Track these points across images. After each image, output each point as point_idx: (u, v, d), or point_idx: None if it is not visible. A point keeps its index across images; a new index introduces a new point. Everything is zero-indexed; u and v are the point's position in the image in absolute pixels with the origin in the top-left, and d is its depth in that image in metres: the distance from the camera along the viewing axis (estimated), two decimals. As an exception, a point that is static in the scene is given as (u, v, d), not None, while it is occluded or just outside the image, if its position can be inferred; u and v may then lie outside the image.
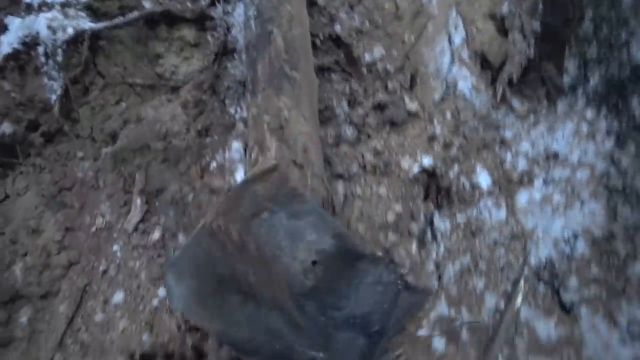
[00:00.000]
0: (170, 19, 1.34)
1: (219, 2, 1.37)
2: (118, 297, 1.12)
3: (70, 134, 1.33)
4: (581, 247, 1.06)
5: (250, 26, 1.17)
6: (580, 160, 1.08)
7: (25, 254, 1.32)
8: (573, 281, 1.08)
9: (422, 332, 0.98)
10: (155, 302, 1.03)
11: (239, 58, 1.33)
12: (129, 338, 1.05)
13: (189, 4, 1.36)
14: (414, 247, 1.04)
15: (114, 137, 1.34)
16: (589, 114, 1.13)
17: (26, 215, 1.34)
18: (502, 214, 1.15)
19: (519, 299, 1.03)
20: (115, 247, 1.18)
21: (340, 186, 1.09)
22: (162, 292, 1.04)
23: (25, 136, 1.32)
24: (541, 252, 1.12)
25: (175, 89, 1.34)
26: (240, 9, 1.34)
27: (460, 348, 0.98)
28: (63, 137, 1.37)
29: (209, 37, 1.37)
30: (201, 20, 1.38)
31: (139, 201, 1.19)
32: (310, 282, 0.85)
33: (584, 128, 1.10)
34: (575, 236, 1.06)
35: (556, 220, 1.11)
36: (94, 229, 1.25)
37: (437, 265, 1.06)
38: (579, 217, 1.08)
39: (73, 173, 1.35)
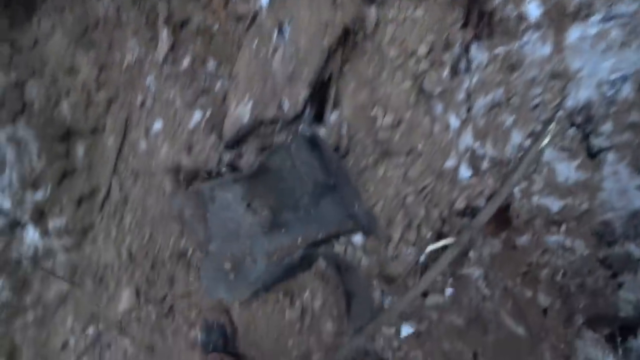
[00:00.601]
0: None
1: None
2: (157, 125, 1.21)
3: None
4: (626, 90, 0.97)
5: None
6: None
7: (68, 93, 1.41)
8: (607, 126, 1.04)
9: (450, 162, 1.02)
10: (191, 124, 1.11)
11: None
12: (172, 160, 1.16)
13: None
14: (445, 73, 1.00)
15: (129, -34, 1.25)
16: None
17: (59, 56, 1.38)
18: (547, 50, 1.05)
19: (547, 139, 1.02)
20: (149, 80, 1.22)
21: (372, 10, 1.00)
22: (197, 115, 1.11)
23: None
24: (581, 94, 1.05)
25: None
26: None
27: (481, 178, 1.02)
28: (77, -28, 1.30)
29: None
30: None
31: (165, 32, 1.17)
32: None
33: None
34: (624, 78, 0.97)
35: (606, 60, 1.00)
36: (125, 64, 1.28)
37: (468, 96, 1.03)
38: (633, 57, 0.97)
39: (94, 11, 1.32)
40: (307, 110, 0.97)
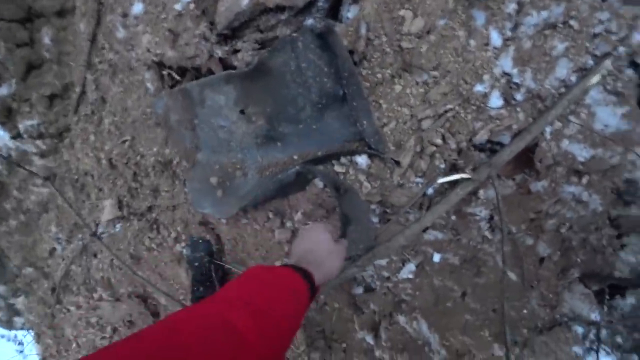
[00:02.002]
0: None
1: None
2: (137, 7, 1.00)
3: None
4: None
5: None
6: None
7: (26, -42, 1.15)
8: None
9: (480, 87, 0.88)
10: (177, 6, 0.91)
11: None
12: (154, 52, 0.99)
13: None
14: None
15: None
16: None
17: None
18: None
19: (598, 77, 0.87)
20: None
21: None
22: (184, -3, 0.91)
23: None
24: None
25: None
26: None
27: (512, 111, 0.89)
28: None
29: None
30: None
31: None
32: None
33: None
34: None
35: None
36: None
37: (520, 8, 0.85)
38: None
39: None
40: (321, 0, 0.79)
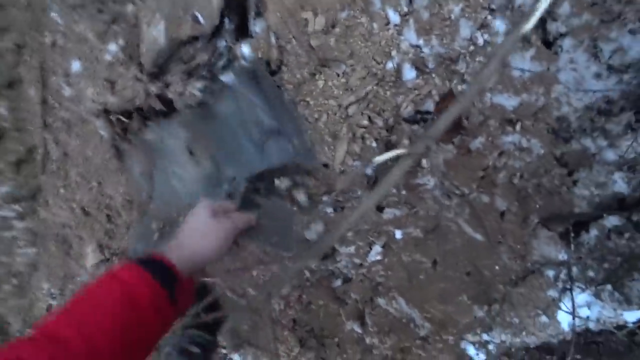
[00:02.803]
0: None
1: None
2: (75, 65, 1.07)
3: None
4: None
5: None
6: None
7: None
8: (565, 7, 0.95)
9: (391, 64, 0.94)
10: (108, 57, 0.98)
11: None
12: (98, 102, 1.06)
13: None
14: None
15: None
16: None
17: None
18: None
19: (530, 24, 0.92)
20: (54, 15, 1.06)
21: None
22: (112, 46, 0.98)
23: None
24: None
25: None
26: None
27: (427, 79, 0.95)
28: None
29: None
30: None
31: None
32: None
33: None
34: None
35: None
36: (24, 1, 1.11)
37: None
38: None
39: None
40: (227, 22, 0.85)
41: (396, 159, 0.97)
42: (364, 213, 0.91)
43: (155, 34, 0.88)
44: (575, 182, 1.06)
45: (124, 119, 1.06)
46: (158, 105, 1.00)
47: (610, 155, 0.99)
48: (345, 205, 0.98)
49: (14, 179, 1.34)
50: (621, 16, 0.85)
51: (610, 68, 0.89)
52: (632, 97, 0.90)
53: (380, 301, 1.05)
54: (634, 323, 0.94)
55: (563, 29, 0.92)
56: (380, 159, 0.90)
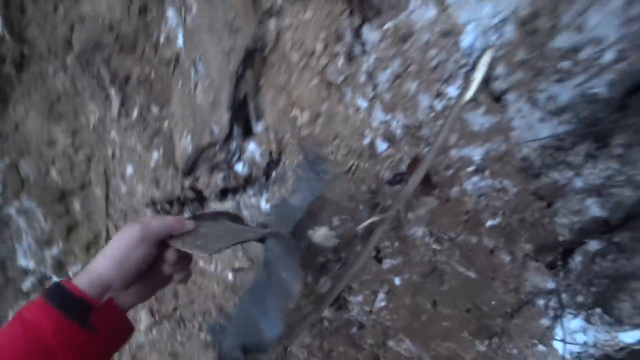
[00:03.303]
0: None
1: None
2: (129, 170, 1.39)
3: (33, 54, 1.45)
4: (509, 31, 1.05)
5: None
6: None
7: (54, 161, 1.63)
8: (501, 68, 1.12)
9: (366, 140, 1.15)
10: (152, 163, 1.29)
11: None
12: (147, 196, 1.35)
13: None
14: (342, 62, 1.11)
15: (69, 43, 1.43)
16: None
17: (38, 133, 1.60)
18: (433, 12, 1.14)
19: (470, 92, 1.10)
20: (112, 134, 1.40)
21: (271, 23, 1.13)
22: (155, 154, 1.28)
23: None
24: (473, 43, 1.14)
25: (100, -26, 1.34)
26: None
27: (397, 147, 1.14)
28: (29, 60, 1.50)
29: None
30: None
31: (113, 91, 1.35)
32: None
33: None
34: (504, 20, 1.05)
35: (486, 6, 1.09)
36: (91, 126, 1.48)
37: (370, 75, 1.14)
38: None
39: (55, 87, 1.52)
40: (235, 128, 1.12)
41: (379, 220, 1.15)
42: (358, 269, 1.08)
43: (185, 144, 1.17)
44: (555, 213, 1.16)
45: (167, 206, 1.34)
46: (191, 195, 1.27)
47: (579, 183, 1.09)
48: (347, 260, 1.15)
49: (83, 259, 1.66)
50: (544, 70, 1.01)
51: (549, 112, 1.03)
52: (578, 133, 1.02)
53: (391, 343, 1.17)
54: (634, 344, 0.98)
55: (504, 86, 1.09)
56: (362, 226, 1.08)
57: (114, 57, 1.42)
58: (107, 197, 1.56)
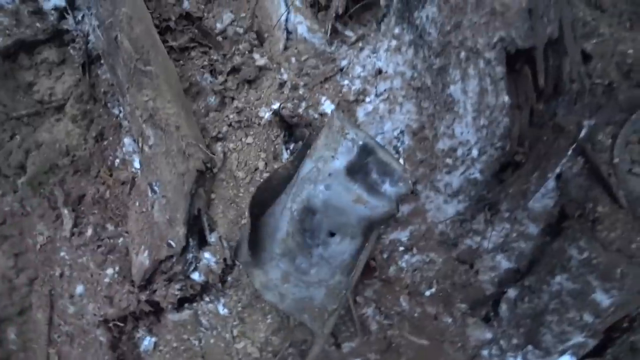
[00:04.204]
0: (27, 46, 1.43)
1: (67, 13, 1.45)
2: (79, 289, 1.36)
3: (-18, 178, 1.47)
4: (407, 140, 1.33)
5: (98, 35, 1.31)
6: (395, 70, 1.34)
7: (-10, 287, 1.52)
8: (407, 166, 1.40)
9: None
10: (107, 280, 1.29)
11: (106, 62, 1.47)
12: (99, 315, 1.31)
13: (38, 25, 1.44)
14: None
15: (23, 167, 1.49)
16: (397, 30, 1.37)
17: (-23, 257, 1.52)
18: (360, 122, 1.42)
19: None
20: (62, 253, 1.39)
21: (218, 146, 1.33)
22: (109, 271, 1.30)
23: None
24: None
25: (59, 108, 1.48)
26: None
27: None
28: (-21, 183, 1.51)
29: (72, 51, 1.48)
30: (58, 37, 1.47)
31: (66, 212, 1.39)
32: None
33: (394, 43, 1.36)
34: (402, 132, 1.33)
35: (387, 124, 1.40)
36: (38, 247, 1.45)
37: None
38: (400, 117, 1.32)
39: (1, 209, 1.51)
40: (191, 241, 1.22)
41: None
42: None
43: (142, 259, 1.23)
44: (477, 272, 1.37)
45: (120, 323, 1.31)
46: (147, 308, 1.27)
47: (487, 244, 1.33)
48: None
49: (17, 397, 1.46)
50: (437, 165, 1.29)
51: (449, 195, 1.29)
52: (473, 207, 1.28)
53: None
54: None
55: (413, 179, 1.36)
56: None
57: (68, 179, 1.49)
58: (50, 321, 1.46)
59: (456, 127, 1.20)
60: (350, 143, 1.08)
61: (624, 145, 1.24)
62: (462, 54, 1.12)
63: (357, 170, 1.08)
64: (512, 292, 1.30)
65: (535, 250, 1.32)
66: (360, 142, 1.08)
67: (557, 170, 1.24)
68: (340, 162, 1.07)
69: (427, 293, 1.33)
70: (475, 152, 1.21)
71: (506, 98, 1.11)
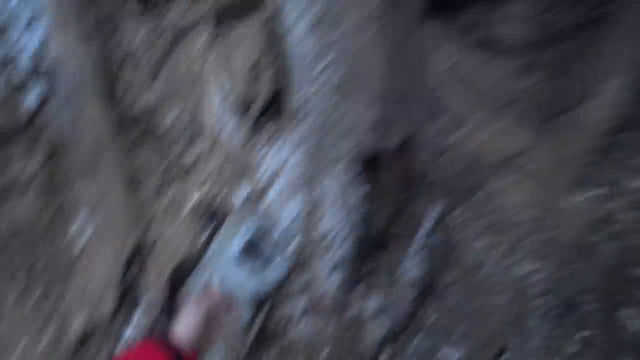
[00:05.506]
0: None
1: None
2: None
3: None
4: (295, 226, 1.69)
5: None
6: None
7: None
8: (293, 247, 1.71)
9: None
10: (43, 344, 1.49)
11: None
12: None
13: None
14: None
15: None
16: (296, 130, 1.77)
17: None
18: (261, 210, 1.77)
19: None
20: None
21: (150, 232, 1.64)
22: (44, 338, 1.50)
23: None
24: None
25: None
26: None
27: None
28: None
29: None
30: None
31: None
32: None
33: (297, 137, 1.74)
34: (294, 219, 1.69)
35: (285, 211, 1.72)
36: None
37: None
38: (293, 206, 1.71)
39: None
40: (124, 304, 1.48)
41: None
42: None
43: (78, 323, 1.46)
44: (362, 336, 1.62)
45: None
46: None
47: (368, 310, 1.60)
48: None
49: None
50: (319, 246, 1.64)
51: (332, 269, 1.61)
52: (352, 279, 1.58)
53: None
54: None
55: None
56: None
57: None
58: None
59: (326, 216, 1.56)
60: (245, 230, 1.43)
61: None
62: (328, 162, 1.52)
63: (249, 251, 1.42)
64: (389, 351, 1.56)
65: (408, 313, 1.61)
66: (253, 230, 1.43)
67: (415, 246, 1.59)
68: (236, 244, 1.42)
69: (321, 357, 1.57)
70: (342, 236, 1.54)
71: (362, 192, 1.48)
